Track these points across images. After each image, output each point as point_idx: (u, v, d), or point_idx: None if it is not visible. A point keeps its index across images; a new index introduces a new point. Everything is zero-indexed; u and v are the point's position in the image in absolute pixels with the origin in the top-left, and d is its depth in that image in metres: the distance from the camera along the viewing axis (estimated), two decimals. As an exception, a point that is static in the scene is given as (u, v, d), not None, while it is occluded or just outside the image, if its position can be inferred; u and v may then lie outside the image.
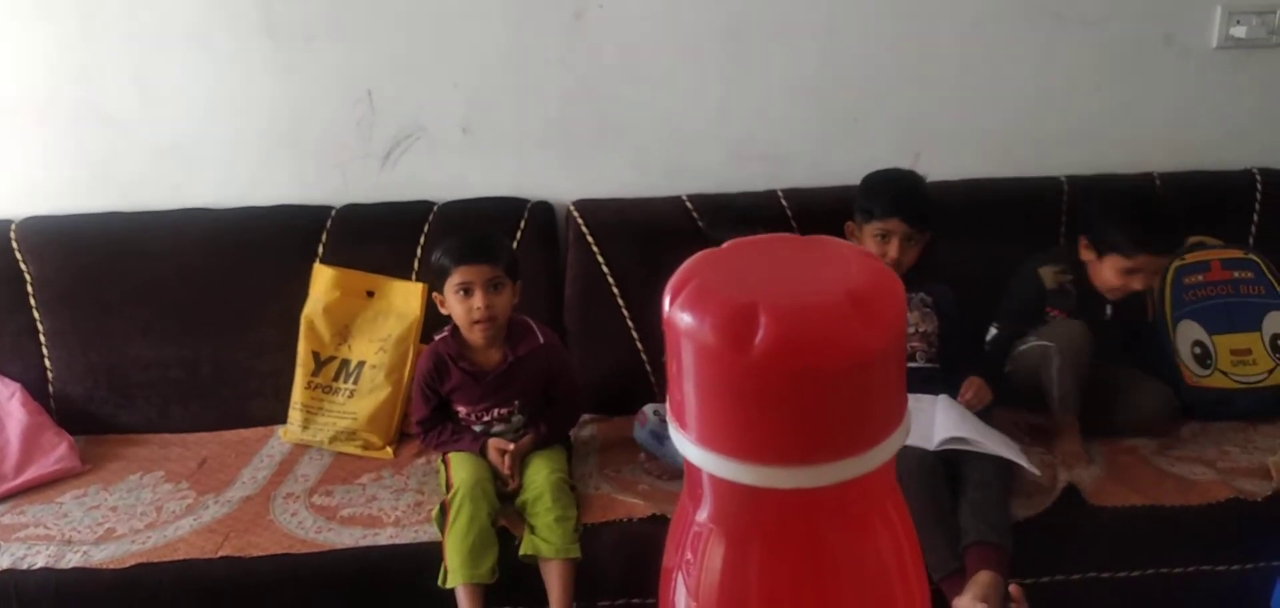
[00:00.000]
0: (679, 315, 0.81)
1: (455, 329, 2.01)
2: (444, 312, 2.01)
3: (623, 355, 2.32)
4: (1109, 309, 2.14)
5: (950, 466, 1.85)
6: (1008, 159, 2.40)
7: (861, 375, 0.79)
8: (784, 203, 2.36)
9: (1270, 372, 2.17)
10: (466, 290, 1.93)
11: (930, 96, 2.43)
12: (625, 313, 2.32)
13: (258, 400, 2.32)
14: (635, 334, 2.32)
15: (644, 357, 2.31)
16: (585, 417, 2.25)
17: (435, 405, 2.04)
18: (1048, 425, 2.07)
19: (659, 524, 1.80)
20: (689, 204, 2.36)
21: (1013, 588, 1.68)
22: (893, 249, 2.09)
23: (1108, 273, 2.07)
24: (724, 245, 0.91)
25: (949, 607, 1.70)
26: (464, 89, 2.39)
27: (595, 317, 2.33)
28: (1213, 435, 2.09)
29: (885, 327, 0.80)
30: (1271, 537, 1.74)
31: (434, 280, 2.01)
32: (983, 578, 1.68)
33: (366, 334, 2.29)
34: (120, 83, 2.37)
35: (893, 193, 2.12)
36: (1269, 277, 2.26)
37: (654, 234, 2.32)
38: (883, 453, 0.82)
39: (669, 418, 0.87)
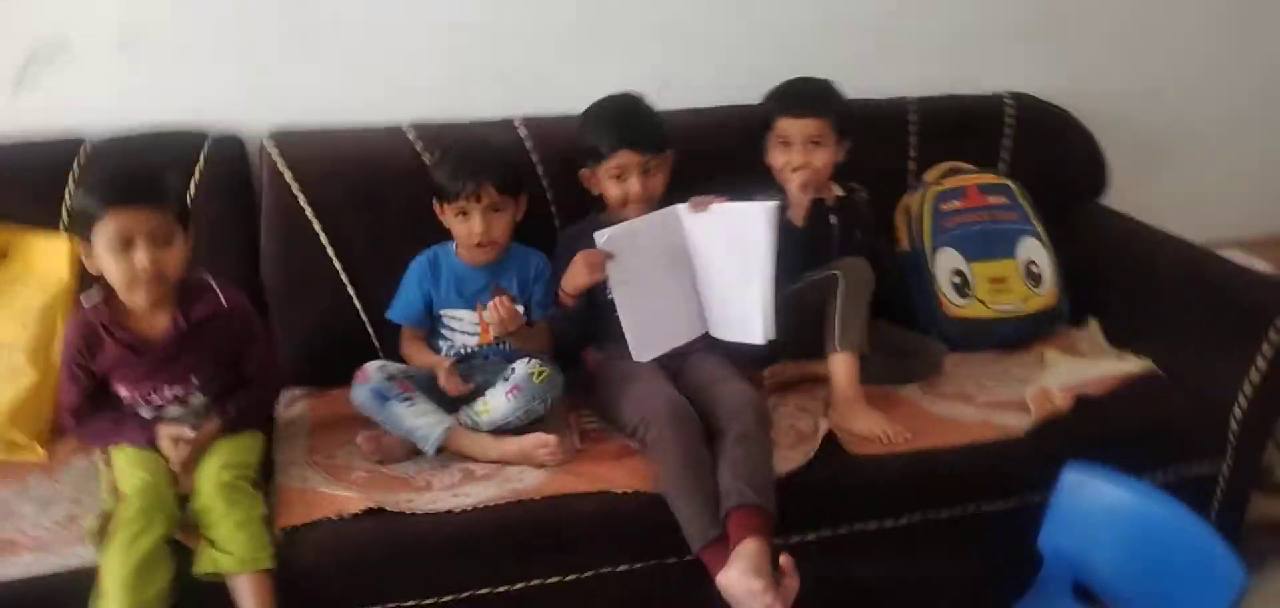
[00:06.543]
0: None
1: (109, 290, 1.68)
2: (93, 270, 1.66)
3: (337, 316, 2.07)
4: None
5: (705, 415, 1.79)
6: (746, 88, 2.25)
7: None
8: (522, 132, 2.17)
9: (1025, 299, 2.21)
10: (125, 242, 1.60)
11: (681, 14, 2.31)
12: (337, 264, 2.07)
13: None
14: (351, 290, 2.07)
15: (362, 314, 2.07)
16: (294, 392, 2.02)
17: (90, 389, 1.72)
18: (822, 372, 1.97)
19: (375, 520, 1.64)
20: (411, 135, 2.12)
21: (784, 559, 1.58)
22: (634, 185, 1.99)
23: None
24: None
25: (711, 580, 1.59)
26: (120, -12, 2.04)
27: (300, 272, 2.07)
28: (972, 368, 2.12)
29: None
30: (1034, 472, 1.75)
31: (79, 227, 1.65)
32: (750, 548, 1.59)
33: (1, 306, 1.91)
34: None
35: (616, 125, 2.01)
36: (1022, 203, 2.29)
37: (371, 171, 2.09)
38: None
39: None
